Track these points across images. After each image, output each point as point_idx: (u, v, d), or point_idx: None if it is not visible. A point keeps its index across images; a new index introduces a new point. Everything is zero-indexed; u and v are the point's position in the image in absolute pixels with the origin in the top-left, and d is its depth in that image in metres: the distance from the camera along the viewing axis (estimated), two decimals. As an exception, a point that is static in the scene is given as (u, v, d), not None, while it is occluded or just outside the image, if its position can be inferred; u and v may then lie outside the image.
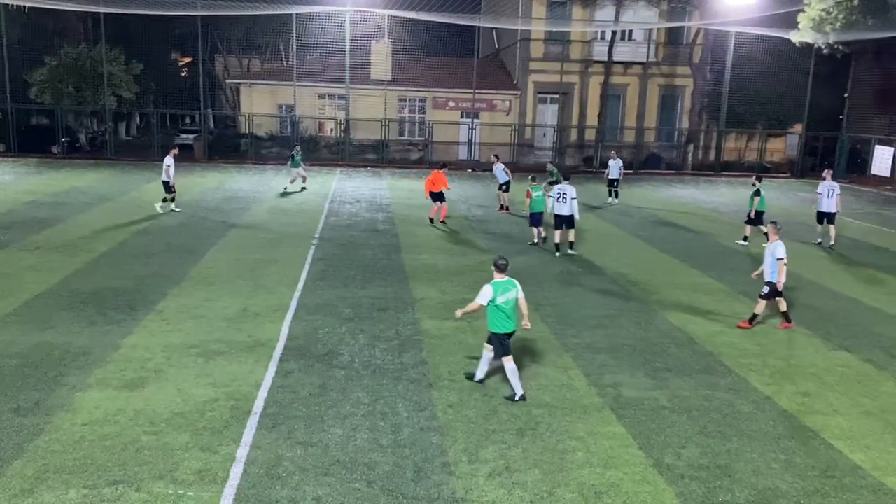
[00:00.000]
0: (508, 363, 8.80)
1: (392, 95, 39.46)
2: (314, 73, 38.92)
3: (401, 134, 40.95)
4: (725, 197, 30.11)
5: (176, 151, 21.67)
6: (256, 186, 27.60)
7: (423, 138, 40.48)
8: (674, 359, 10.46)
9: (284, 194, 25.62)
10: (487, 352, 9.02)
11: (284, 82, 38.84)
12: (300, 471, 6.93)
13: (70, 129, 38.29)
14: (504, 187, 24.07)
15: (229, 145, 38.73)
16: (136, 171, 31.09)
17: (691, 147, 41.43)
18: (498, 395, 8.89)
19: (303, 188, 26.74)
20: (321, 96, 39.94)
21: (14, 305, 11.57)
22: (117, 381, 8.81)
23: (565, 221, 17.08)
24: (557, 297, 13.47)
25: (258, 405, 8.32)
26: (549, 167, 25.85)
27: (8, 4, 34.61)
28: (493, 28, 43.89)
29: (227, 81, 46.30)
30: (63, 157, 35.41)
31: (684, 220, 23.18)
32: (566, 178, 17.85)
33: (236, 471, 6.86)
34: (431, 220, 20.63)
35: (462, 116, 40.65)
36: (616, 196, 26.75)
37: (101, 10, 34.76)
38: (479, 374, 9.24)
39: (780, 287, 11.83)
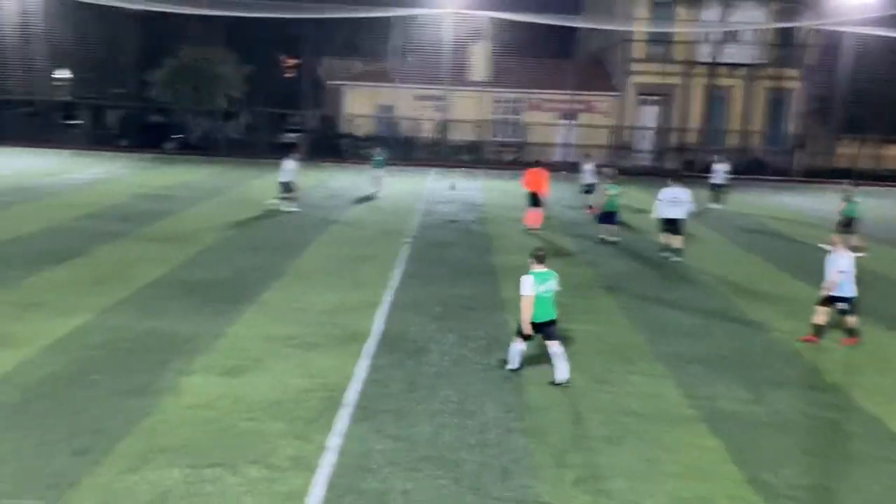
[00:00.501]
0: (555, 347, 9.18)
1: (489, 96, 39.57)
2: (413, 75, 39.50)
3: (496, 135, 40.99)
4: (834, 205, 28.51)
5: (299, 154, 22.39)
6: (355, 185, 28.27)
7: (518, 140, 40.38)
8: (774, 372, 10.02)
9: (365, 199, 25.48)
10: (520, 344, 9.40)
11: (384, 84, 39.62)
12: (389, 464, 7.07)
13: (185, 126, 40.41)
14: (589, 189, 23.67)
15: (330, 145, 39.85)
16: (242, 168, 32.48)
17: (800, 152, 39.47)
18: (586, 399, 8.79)
19: (376, 192, 25.53)
20: (419, 97, 40.49)
21: (128, 292, 12.34)
22: (219, 368, 9.26)
23: (674, 225, 16.67)
24: (652, 303, 13.16)
25: (350, 397, 8.55)
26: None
27: (134, 9, 36.88)
28: (593, 28, 43.28)
29: (330, 83, 47.64)
30: (177, 153, 37.39)
31: (789, 229, 22.15)
32: (677, 180, 17.31)
33: (328, 460, 7.08)
34: (529, 228, 19.71)
35: (559, 118, 40.27)
36: (720, 201, 25.88)
37: (217, 13, 36.55)
38: (514, 364, 9.54)
39: (825, 293, 11.06)
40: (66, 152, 34.74)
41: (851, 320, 11.28)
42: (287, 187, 21.40)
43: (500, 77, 40.01)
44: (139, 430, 7.51)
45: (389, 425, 7.88)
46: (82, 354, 9.48)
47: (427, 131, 40.34)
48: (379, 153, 26.57)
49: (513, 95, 40.47)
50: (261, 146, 39.12)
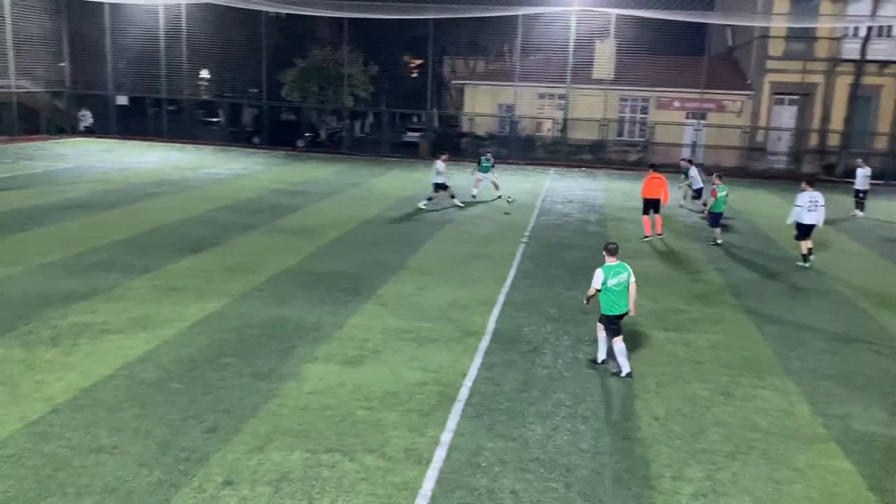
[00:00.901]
0: (618, 343, 9.27)
1: (613, 95, 38.70)
2: (535, 73, 39.26)
3: (619, 134, 40.04)
4: None
5: (446, 157, 22.81)
6: (472, 184, 28.41)
7: (643, 139, 39.27)
8: (920, 395, 9.23)
9: (468, 204, 25.38)
10: (601, 332, 9.52)
11: (506, 83, 39.63)
12: (500, 462, 7.08)
13: (312, 125, 42.11)
14: (696, 194, 22.78)
15: (451, 144, 40.32)
16: (366, 166, 33.43)
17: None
18: (709, 412, 8.43)
19: (498, 197, 23.82)
20: (541, 96, 40.18)
21: (259, 281, 13.00)
22: (340, 357, 9.58)
23: (810, 231, 15.81)
24: (783, 314, 12.44)
25: (463, 393, 8.62)
26: (683, 164, 24.31)
27: (268, 11, 38.81)
28: (726, 25, 41.38)
29: (453, 82, 48.18)
30: (306, 150, 39.00)
31: (945, 240, 20.29)
32: (811, 184, 16.33)
33: (440, 454, 7.17)
34: (647, 236, 18.57)
35: (687, 117, 38.82)
36: (862, 208, 24.10)
37: (346, 15, 37.85)
38: (601, 356, 9.66)
39: None
40: (206, 148, 37.04)
41: None
42: (440, 188, 21.87)
43: (625, 75, 39.02)
44: (264, 412, 7.90)
45: (501, 424, 7.88)
46: (216, 338, 10.08)
47: (548, 130, 40.00)
48: (487, 158, 24.84)
49: (639, 94, 39.40)
50: (384, 145, 40.15)
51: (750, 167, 36.44)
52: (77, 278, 12.65)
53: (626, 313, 9.33)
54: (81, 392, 8.16)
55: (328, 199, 23.07)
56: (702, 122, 38.19)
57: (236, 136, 40.90)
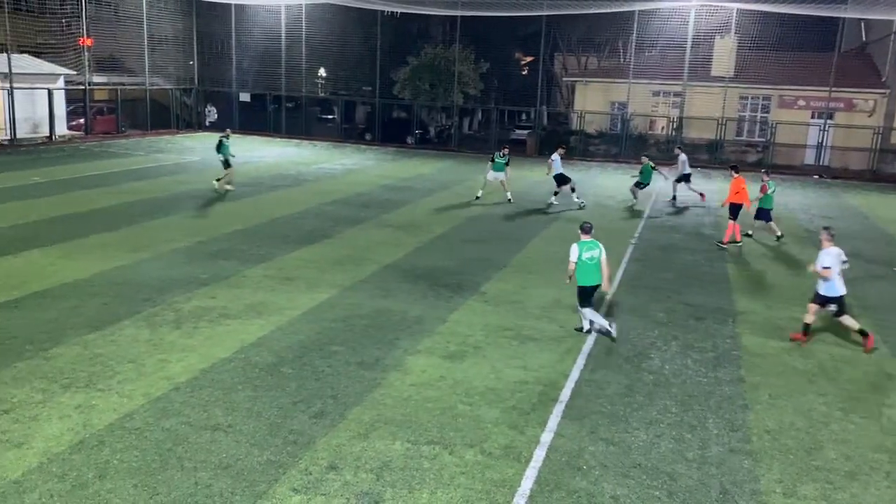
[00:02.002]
0: (588, 311, 10.36)
1: (732, 93, 37.07)
2: (650, 71, 38.18)
3: (738, 134, 38.31)
4: None
5: (563, 151, 22.79)
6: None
7: (763, 140, 37.42)
8: None
9: (535, 204, 25.28)
10: (589, 309, 10.44)
11: (619, 80, 38.76)
12: (601, 466, 6.95)
13: (422, 122, 42.72)
14: (684, 178, 23.51)
15: (559, 141, 39.83)
16: (473, 163, 33.60)
17: None
18: (828, 428, 7.96)
19: (509, 200, 22.03)
20: (655, 93, 39.04)
21: (366, 273, 13.34)
22: (441, 351, 9.69)
23: None
24: (914, 330, 11.55)
25: (564, 394, 8.52)
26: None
27: (383, 11, 39.66)
28: (861, 19, 38.75)
29: (564, 79, 47.61)
30: (415, 147, 39.62)
31: None
32: None
33: (539, 454, 7.12)
34: (721, 244, 17.08)
35: (813, 117, 36.67)
36: None
37: (459, 13, 38.14)
38: (586, 325, 10.55)
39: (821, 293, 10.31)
40: (321, 144, 38.33)
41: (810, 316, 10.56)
42: (563, 181, 21.89)
43: (746, 72, 37.29)
44: (369, 400, 8.11)
45: (603, 428, 7.74)
46: (325, 326, 10.43)
47: (661, 129, 38.83)
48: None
49: (760, 92, 37.56)
50: (491, 142, 40.18)
51: (882, 170, 34.03)
52: (199, 265, 13.41)
53: (599, 285, 10.32)
54: (200, 373, 8.65)
55: (434, 194, 23.35)
56: (829, 121, 35.98)
57: (349, 132, 42.08)
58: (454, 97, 40.66)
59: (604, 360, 9.66)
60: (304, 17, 40.40)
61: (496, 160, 22.08)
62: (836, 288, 10.30)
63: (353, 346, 9.75)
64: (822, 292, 10.39)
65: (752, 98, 38.05)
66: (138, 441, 6.99)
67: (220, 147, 21.88)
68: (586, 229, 10.51)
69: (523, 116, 47.92)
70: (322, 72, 44.89)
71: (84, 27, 35.46)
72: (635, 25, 36.67)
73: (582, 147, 38.17)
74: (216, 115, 42.50)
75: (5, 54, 30.91)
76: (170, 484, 6.29)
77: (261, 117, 41.94)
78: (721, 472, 6.95)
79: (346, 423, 7.57)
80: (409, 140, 40.43)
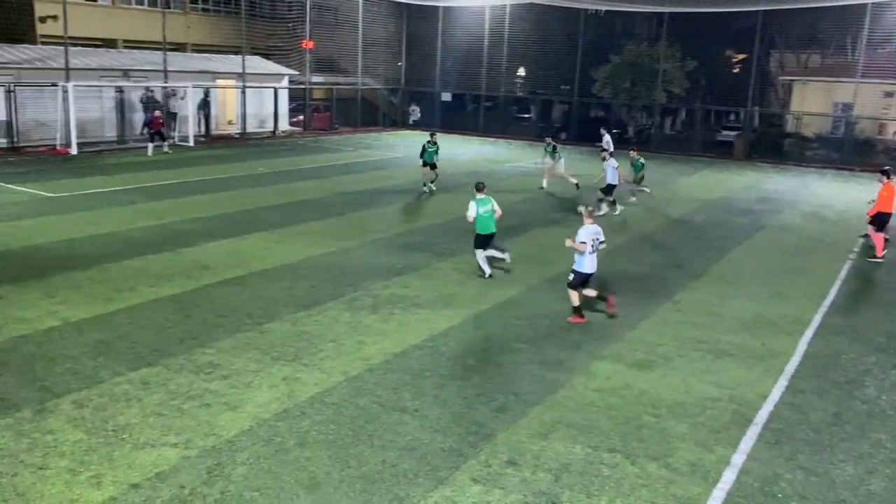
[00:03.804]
0: (481, 254, 12.69)
1: None
2: (883, 69, 34.35)
3: None
4: None
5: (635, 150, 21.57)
6: (794, 189, 25.91)
7: None
8: None
9: (779, 213, 23.19)
10: (480, 253, 12.72)
11: (845, 79, 35.28)
12: (798, 497, 6.42)
13: (621, 121, 41.68)
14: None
15: (771, 144, 37.11)
16: (673, 165, 32.27)
17: None
18: None
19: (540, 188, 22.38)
20: (888, 94, 35.08)
21: (553, 274, 13.29)
22: (628, 359, 9.44)
23: None
24: None
25: (761, 416, 7.96)
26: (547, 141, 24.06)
27: (587, 10, 39.18)
28: None
29: (780, 78, 44.22)
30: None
31: None
32: None
33: (728, 476, 6.72)
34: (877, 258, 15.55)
35: None
36: None
37: (667, 9, 36.75)
38: (488, 271, 12.75)
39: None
40: (516, 143, 38.71)
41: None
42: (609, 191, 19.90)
43: None
44: (551, 401, 8.10)
45: (804, 456, 7.14)
46: (510, 323, 10.56)
47: (894, 133, 34.84)
48: (549, 142, 23.90)
49: None
50: (694, 143, 38.34)
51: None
52: (396, 255, 14.12)
53: (495, 234, 12.67)
54: (393, 357, 9.13)
55: (627, 197, 22.70)
56: None
57: (544, 131, 42.05)
58: (656, 96, 39.24)
59: (809, 384, 8.89)
60: (507, 17, 40.98)
61: (546, 147, 23.41)
62: (585, 264, 10.68)
63: (537, 345, 9.78)
64: (573, 266, 10.80)
65: None
66: (335, 415, 7.53)
67: (424, 153, 21.44)
68: (480, 188, 12.70)
69: (731, 117, 45.16)
70: (521, 71, 45.26)
71: (307, 31, 38.57)
72: (867, 19, 33.18)
73: (797, 151, 35.24)
74: (419, 114, 44.41)
75: (240, 56, 34.47)
76: (360, 459, 6.71)
77: (460, 116, 43.19)
78: (945, 523, 6.15)
79: (527, 420, 7.62)
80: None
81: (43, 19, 32.43)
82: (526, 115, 44.17)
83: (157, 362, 8.63)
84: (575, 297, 10.76)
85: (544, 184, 23.35)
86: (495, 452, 6.94)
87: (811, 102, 36.62)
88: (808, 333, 10.74)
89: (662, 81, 39.14)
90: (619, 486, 6.47)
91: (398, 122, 44.39)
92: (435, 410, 7.73)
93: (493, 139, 39.86)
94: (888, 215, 15.59)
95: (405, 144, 34.73)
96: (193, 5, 40.22)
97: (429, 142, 21.51)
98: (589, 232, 10.73)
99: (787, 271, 14.34)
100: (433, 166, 21.44)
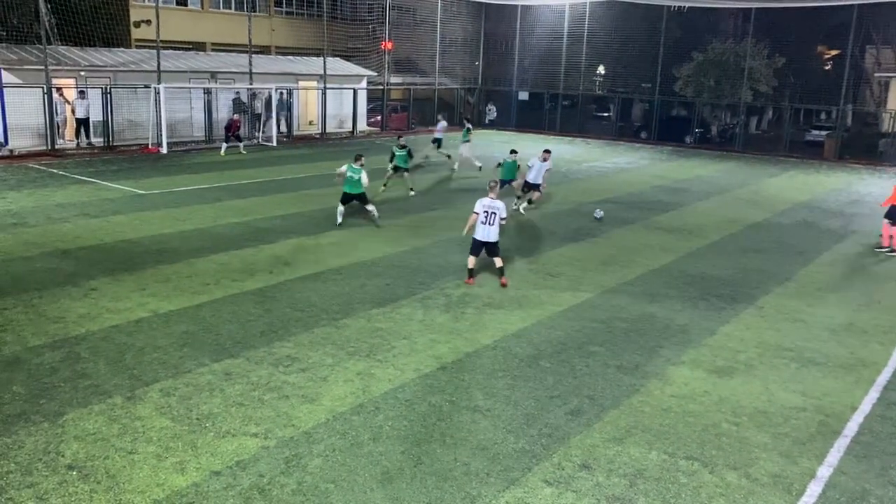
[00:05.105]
0: (340, 207, 16.02)
1: None
2: None
3: None
4: None
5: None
6: (889, 192, 24.56)
7: None
8: None
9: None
10: (342, 206, 16.04)
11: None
12: (888, 516, 6.11)
13: (704, 120, 40.50)
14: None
15: (864, 145, 35.34)
16: (759, 166, 31.16)
17: None
18: None
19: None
20: None
21: (630, 277, 13.06)
22: (708, 365, 9.17)
23: None
24: None
25: (850, 428, 7.60)
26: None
27: (670, 6, 38.25)
28: None
29: (876, 75, 42.08)
30: (694, 146, 37.75)
31: None
32: None
33: (814, 489, 6.45)
34: (890, 249, 15.63)
35: None
36: None
37: (754, 5, 35.49)
38: (340, 220, 16.02)
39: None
40: (594, 142, 38.19)
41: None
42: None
43: None
44: (626, 405, 7.96)
45: (895, 471, 6.79)
46: (585, 325, 10.42)
47: None
48: (466, 124, 25.95)
49: None
50: (781, 143, 36.90)
51: None
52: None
53: (359, 194, 15.76)
54: (465, 356, 9.15)
55: (712, 198, 22.07)
56: None
57: (624, 130, 41.31)
58: (742, 94, 37.94)
59: (903, 397, 8.44)
60: (587, 15, 40.46)
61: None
62: (477, 232, 11.95)
63: (612, 348, 9.62)
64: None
65: None
66: (408, 412, 7.61)
67: (393, 157, 20.62)
68: (357, 157, 15.77)
69: (822, 116, 43.29)
70: (601, 69, 44.60)
71: (387, 32, 39.09)
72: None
73: (894, 151, 33.44)
74: (496, 114, 44.34)
75: (322, 58, 35.23)
76: (432, 456, 6.76)
77: (537, 115, 42.90)
78: None
79: (602, 424, 7.51)
80: (688, 139, 38.62)
81: (137, 24, 34.05)
82: (604, 114, 43.48)
83: (239, 354, 8.93)
84: (470, 262, 12.28)
85: (456, 166, 25.17)
86: (568, 455, 6.87)
87: (910, 100, 34.69)
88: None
89: (748, 79, 37.81)
90: (696, 495, 6.30)
91: (475, 121, 44.48)
92: (507, 411, 7.71)
93: (570, 138, 39.43)
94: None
95: (480, 144, 34.74)
96: (277, 8, 41.37)
97: (398, 146, 20.76)
98: (482, 204, 11.92)
99: (881, 278, 13.64)
100: (405, 171, 20.51)
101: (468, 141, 25.70)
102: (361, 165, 15.69)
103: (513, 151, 19.22)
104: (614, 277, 12.92)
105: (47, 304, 10.42)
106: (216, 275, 12.16)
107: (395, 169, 20.55)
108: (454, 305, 11.10)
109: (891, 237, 15.73)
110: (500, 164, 19.18)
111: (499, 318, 10.57)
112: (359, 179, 15.60)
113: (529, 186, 18.33)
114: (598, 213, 17.81)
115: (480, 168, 24.65)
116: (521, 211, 18.31)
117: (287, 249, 14.01)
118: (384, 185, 20.61)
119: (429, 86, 42.41)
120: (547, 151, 18.60)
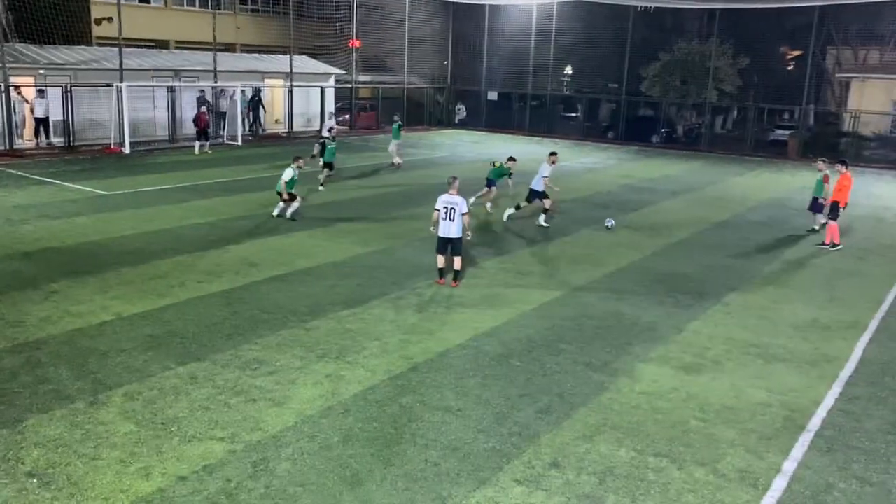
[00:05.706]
0: (281, 204, 16.56)
1: None
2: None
3: None
4: None
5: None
6: (852, 190, 25.05)
7: None
8: None
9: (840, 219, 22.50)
10: (282, 203, 16.51)
11: (906, 75, 34.11)
12: (852, 508, 6.22)
13: (670, 120, 40.96)
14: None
15: (826, 144, 36.03)
16: (724, 165, 31.61)
17: None
18: None
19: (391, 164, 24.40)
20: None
21: (598, 275, 13.14)
22: (676, 362, 9.26)
23: None
24: None
25: (814, 423, 7.72)
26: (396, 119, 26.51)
27: (637, 7, 38.61)
28: None
29: (837, 76, 42.96)
30: (660, 146, 38.17)
31: None
32: None
33: (779, 483, 6.54)
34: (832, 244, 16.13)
35: None
36: None
37: (718, 6, 35.98)
38: (277, 211, 16.58)
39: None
40: (562, 142, 38.38)
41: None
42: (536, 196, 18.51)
43: None
44: (596, 403, 7.99)
45: (858, 465, 6.90)
46: (555, 324, 10.46)
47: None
48: (395, 119, 26.69)
49: None
50: (746, 142, 37.48)
51: None
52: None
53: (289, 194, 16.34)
54: (436, 356, 9.12)
55: (679, 197, 22.33)
56: None
57: (591, 130, 41.59)
58: (707, 94, 38.46)
59: (866, 391, 8.60)
60: (555, 15, 40.66)
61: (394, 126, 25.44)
62: (440, 228, 11.90)
63: (582, 346, 9.66)
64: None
65: None
66: (378, 413, 7.55)
67: (324, 151, 21.55)
68: (296, 158, 16.68)
69: (785, 115, 44.05)
70: (568, 69, 44.86)
71: (354, 30, 38.87)
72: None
73: (854, 151, 34.16)
74: (465, 113, 44.36)
75: (288, 56, 34.91)
76: (403, 457, 6.72)
77: (506, 115, 43.02)
78: None
79: (571, 422, 7.53)
80: (655, 139, 39.03)
81: (98, 21, 33.40)
82: (572, 114, 43.74)
83: (205, 357, 8.78)
84: (439, 261, 12.18)
85: (396, 161, 25.62)
86: (539, 454, 6.88)
87: (870, 100, 35.48)
88: (865, 339, 10.41)
89: (713, 79, 38.33)
90: (665, 492, 6.35)
91: (444, 121, 44.42)
92: (478, 410, 7.70)
93: (538, 138, 39.58)
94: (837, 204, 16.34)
95: (451, 144, 34.75)
96: (243, 6, 40.95)
97: (328, 138, 22.64)
98: (442, 200, 11.94)
99: (843, 275, 13.91)
100: (331, 166, 21.28)
101: (399, 140, 26.09)
102: (300, 167, 16.61)
103: (511, 158, 18.79)
104: (584, 276, 12.99)
105: (6, 308, 10.16)
106: (181, 276, 11.97)
107: (325, 165, 21.21)
108: (426, 305, 11.06)
109: (820, 227, 16.81)
110: (493, 164, 19.13)
111: (470, 318, 10.55)
112: (293, 179, 16.43)
113: (534, 194, 17.29)
114: (610, 223, 17.18)
115: (399, 166, 25.48)
116: (505, 219, 17.43)
117: (253, 250, 13.84)
118: (321, 185, 20.90)
119: (398, 85, 42.28)
120: (553, 154, 17.90)
